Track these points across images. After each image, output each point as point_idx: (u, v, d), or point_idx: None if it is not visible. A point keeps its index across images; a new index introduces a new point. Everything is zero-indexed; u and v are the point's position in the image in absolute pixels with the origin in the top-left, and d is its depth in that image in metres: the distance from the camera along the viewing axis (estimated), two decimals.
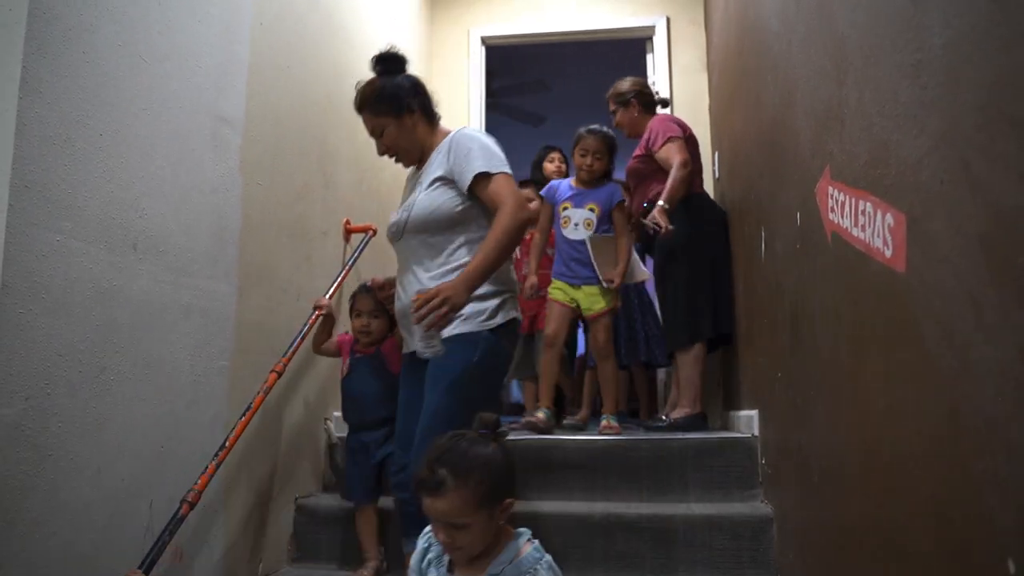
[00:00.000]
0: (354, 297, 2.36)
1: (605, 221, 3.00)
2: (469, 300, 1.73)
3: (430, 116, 2.00)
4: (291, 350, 2.28)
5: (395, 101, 1.93)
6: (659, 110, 3.30)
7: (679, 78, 4.27)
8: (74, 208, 1.48)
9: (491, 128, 4.54)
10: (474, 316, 1.78)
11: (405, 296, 1.87)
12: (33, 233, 1.37)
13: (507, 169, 1.82)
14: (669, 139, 2.94)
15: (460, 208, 1.83)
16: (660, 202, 2.83)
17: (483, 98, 4.51)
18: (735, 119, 3.01)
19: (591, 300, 2.95)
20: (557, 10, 4.45)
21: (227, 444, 1.86)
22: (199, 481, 1.75)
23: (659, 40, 4.33)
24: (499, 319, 1.81)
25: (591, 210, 2.98)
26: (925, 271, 1.04)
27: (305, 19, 2.66)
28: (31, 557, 1.36)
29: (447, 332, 1.77)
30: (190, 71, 1.91)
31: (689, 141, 3.02)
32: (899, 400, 1.15)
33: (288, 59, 2.51)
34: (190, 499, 1.70)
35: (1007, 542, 0.83)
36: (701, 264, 2.94)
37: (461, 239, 1.84)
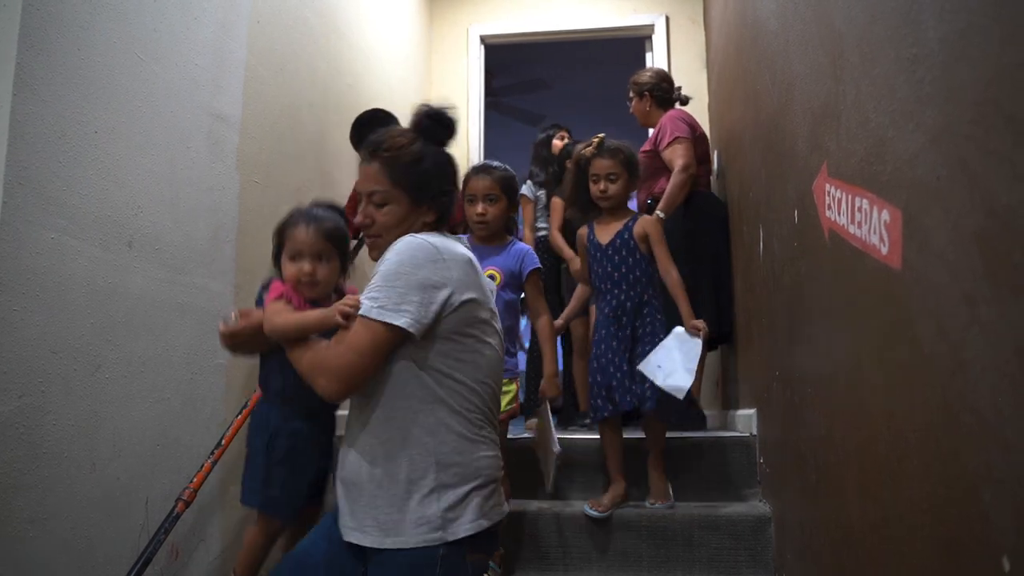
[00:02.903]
0: (287, 229, 1.59)
1: (512, 292, 2.20)
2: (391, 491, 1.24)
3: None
4: None
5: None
6: (677, 107, 3.29)
7: (678, 76, 4.25)
8: (69, 206, 1.48)
9: (490, 127, 4.55)
10: (410, 524, 1.22)
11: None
12: (28, 230, 1.37)
13: (389, 318, 1.23)
14: (676, 139, 2.93)
15: None
16: (657, 211, 2.84)
17: (482, 97, 4.51)
18: (734, 117, 3.01)
19: None
20: (556, 9, 4.45)
21: (223, 442, 1.86)
22: (195, 479, 1.74)
23: (658, 39, 4.33)
24: (464, 525, 1.24)
25: (491, 277, 2.17)
26: (921, 268, 1.04)
27: (303, 17, 2.65)
28: (26, 555, 1.35)
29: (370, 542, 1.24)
30: (187, 69, 1.90)
31: (699, 140, 3.02)
32: (895, 398, 1.15)
33: (286, 57, 2.50)
34: (186, 497, 1.69)
35: (1002, 540, 0.82)
36: (701, 263, 2.94)
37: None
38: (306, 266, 1.52)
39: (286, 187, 2.50)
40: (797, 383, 1.83)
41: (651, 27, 4.35)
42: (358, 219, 1.40)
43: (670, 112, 3.10)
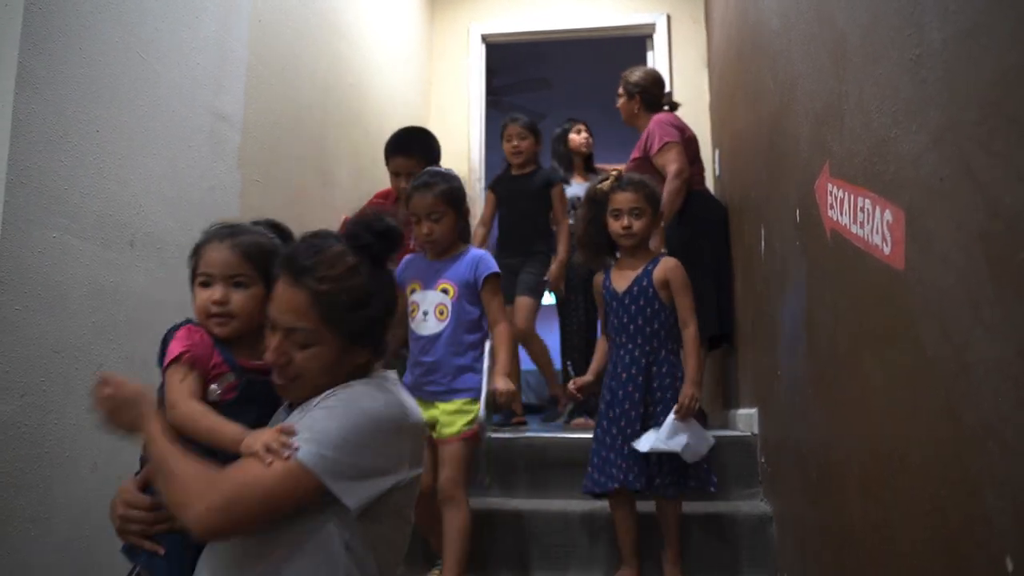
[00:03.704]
0: (198, 248, 1.27)
1: (470, 304, 2.03)
2: None
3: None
4: None
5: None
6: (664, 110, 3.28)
7: (680, 76, 4.26)
8: (71, 205, 1.48)
9: (491, 126, 4.54)
10: None
11: None
12: (29, 230, 1.37)
13: (330, 481, 1.01)
14: (666, 144, 2.91)
15: None
16: None
17: (483, 96, 4.50)
18: (735, 117, 3.01)
19: (444, 420, 1.99)
20: (558, 7, 4.44)
21: None
22: None
23: (660, 37, 4.32)
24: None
25: (444, 291, 2.02)
26: (923, 268, 1.03)
27: (304, 16, 2.65)
28: (27, 555, 1.35)
29: None
30: (188, 68, 1.90)
31: (688, 143, 3.00)
32: (897, 398, 1.15)
33: (287, 57, 2.50)
34: None
35: (1005, 540, 0.82)
36: (701, 262, 2.93)
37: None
38: (216, 293, 1.19)
39: (288, 186, 2.50)
40: (799, 383, 1.83)
41: (652, 26, 4.35)
42: (268, 356, 1.08)
43: (657, 116, 3.06)
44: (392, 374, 1.19)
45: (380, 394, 1.08)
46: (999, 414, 0.83)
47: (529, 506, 2.32)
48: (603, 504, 2.18)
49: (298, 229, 2.53)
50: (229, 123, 2.11)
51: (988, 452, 0.86)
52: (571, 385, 2.20)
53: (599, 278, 2.22)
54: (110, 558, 1.57)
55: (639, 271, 2.11)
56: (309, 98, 2.68)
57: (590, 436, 2.33)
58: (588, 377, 2.20)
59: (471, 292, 2.02)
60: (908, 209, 1.09)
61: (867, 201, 1.25)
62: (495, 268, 2.04)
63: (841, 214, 1.40)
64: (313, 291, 1.05)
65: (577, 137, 3.62)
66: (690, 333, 2.07)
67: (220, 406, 1.15)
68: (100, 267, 1.56)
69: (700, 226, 2.95)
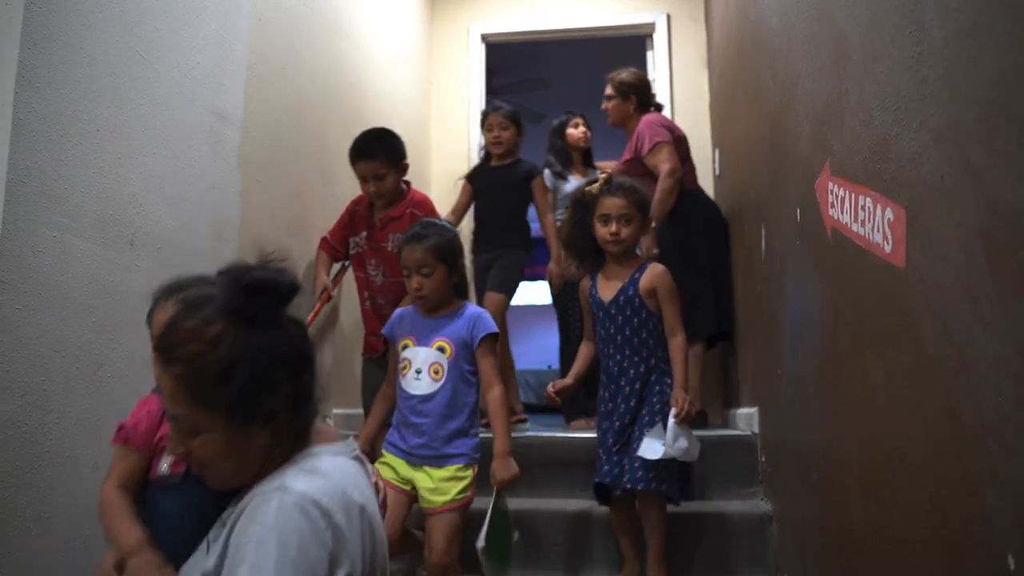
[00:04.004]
0: (152, 316, 1.25)
1: (467, 363, 1.94)
2: None
3: None
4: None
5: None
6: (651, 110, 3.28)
7: (680, 75, 4.25)
8: (71, 204, 1.48)
9: None
10: None
11: None
12: (29, 229, 1.37)
13: None
14: (657, 144, 2.91)
15: None
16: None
17: (483, 96, 4.50)
18: (736, 116, 3.01)
19: (435, 487, 1.86)
20: (558, 7, 4.44)
21: None
22: None
23: (659, 37, 4.32)
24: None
25: (440, 349, 1.93)
26: (924, 266, 1.03)
27: (304, 15, 2.65)
28: (27, 554, 1.35)
29: None
30: (188, 67, 1.90)
31: (679, 142, 3.00)
32: (898, 397, 1.14)
33: (287, 56, 2.50)
34: None
35: (1006, 539, 0.82)
36: (697, 260, 2.93)
37: None
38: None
39: (288, 186, 2.50)
40: (799, 382, 1.83)
41: (652, 25, 4.35)
42: (170, 448, 1.00)
43: (647, 117, 3.05)
44: (330, 449, 1.01)
45: (297, 503, 0.88)
46: (1000, 413, 0.83)
47: (529, 505, 2.32)
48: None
49: (298, 228, 2.55)
50: (229, 122, 2.11)
51: (989, 451, 0.86)
52: (550, 388, 2.13)
53: (585, 284, 2.15)
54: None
55: (625, 280, 2.03)
56: (309, 97, 2.68)
57: (589, 436, 2.34)
58: (567, 381, 2.16)
59: (468, 351, 1.93)
60: (909, 207, 1.09)
61: (868, 199, 1.25)
62: (494, 328, 1.95)
63: (842, 213, 1.40)
64: (175, 374, 0.93)
65: (575, 131, 3.53)
66: (677, 342, 2.00)
67: (171, 483, 1.16)
68: (100, 266, 1.56)
69: (694, 225, 2.95)
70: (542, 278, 4.17)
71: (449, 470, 1.87)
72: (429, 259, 1.89)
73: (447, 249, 1.91)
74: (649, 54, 4.39)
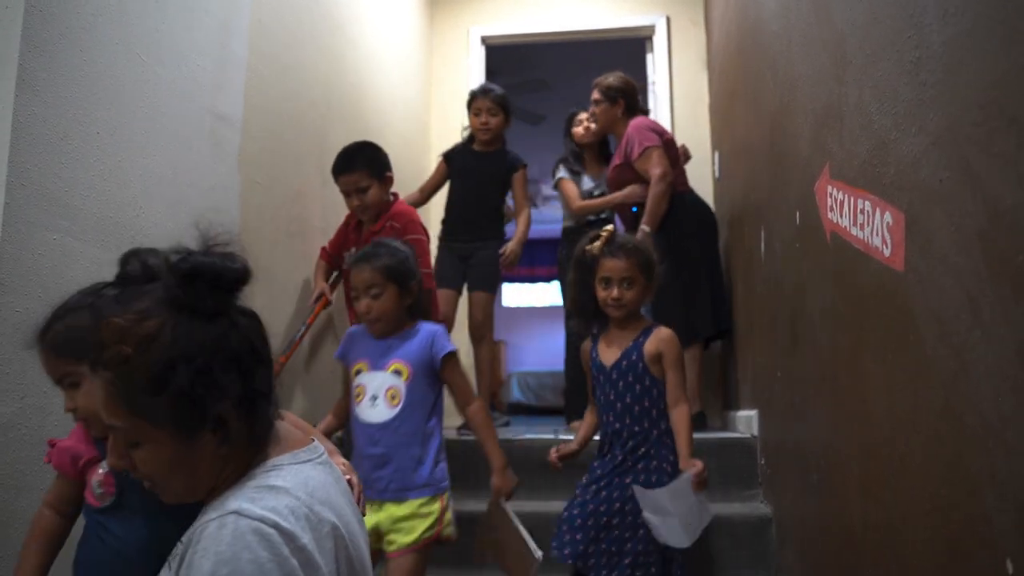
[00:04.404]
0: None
1: (428, 386, 1.79)
2: None
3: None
4: (290, 349, 2.28)
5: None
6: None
7: (679, 78, 4.26)
8: (71, 207, 1.48)
9: None
10: None
11: None
12: (30, 231, 1.37)
13: None
14: (646, 149, 2.91)
15: None
16: (643, 226, 2.83)
17: None
18: (735, 118, 3.01)
19: (399, 526, 1.69)
20: (557, 9, 4.45)
21: None
22: None
23: (659, 39, 4.32)
24: None
25: (396, 372, 1.77)
26: (923, 270, 1.04)
27: (304, 17, 2.65)
28: None
29: None
30: (188, 69, 1.90)
31: (668, 145, 3.00)
32: (898, 400, 1.15)
33: (287, 57, 2.50)
34: None
35: (1005, 542, 0.82)
36: (692, 262, 2.93)
37: None
38: (67, 403, 1.08)
39: (288, 187, 2.50)
40: (799, 384, 1.83)
41: (652, 28, 4.35)
42: (110, 460, 0.87)
43: (635, 121, 3.04)
44: (294, 457, 0.89)
45: (251, 530, 0.76)
46: (999, 414, 0.83)
47: (529, 508, 2.31)
48: None
49: (298, 229, 2.55)
50: (229, 124, 2.11)
51: (988, 453, 0.86)
52: (553, 453, 1.96)
53: (586, 347, 1.99)
54: None
55: (628, 344, 1.87)
56: (310, 99, 2.68)
57: None
58: (573, 446, 1.99)
59: (428, 373, 1.78)
60: (908, 211, 1.09)
61: (867, 203, 1.25)
62: (452, 345, 1.82)
63: (841, 216, 1.40)
64: (105, 380, 0.80)
65: (578, 129, 3.48)
66: (681, 412, 1.82)
67: (107, 505, 1.08)
68: (100, 268, 1.56)
69: (686, 228, 2.95)
70: (543, 280, 4.17)
71: (412, 505, 1.69)
72: (378, 279, 1.76)
73: (398, 269, 1.78)
74: (649, 56, 4.39)
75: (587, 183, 3.39)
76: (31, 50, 1.37)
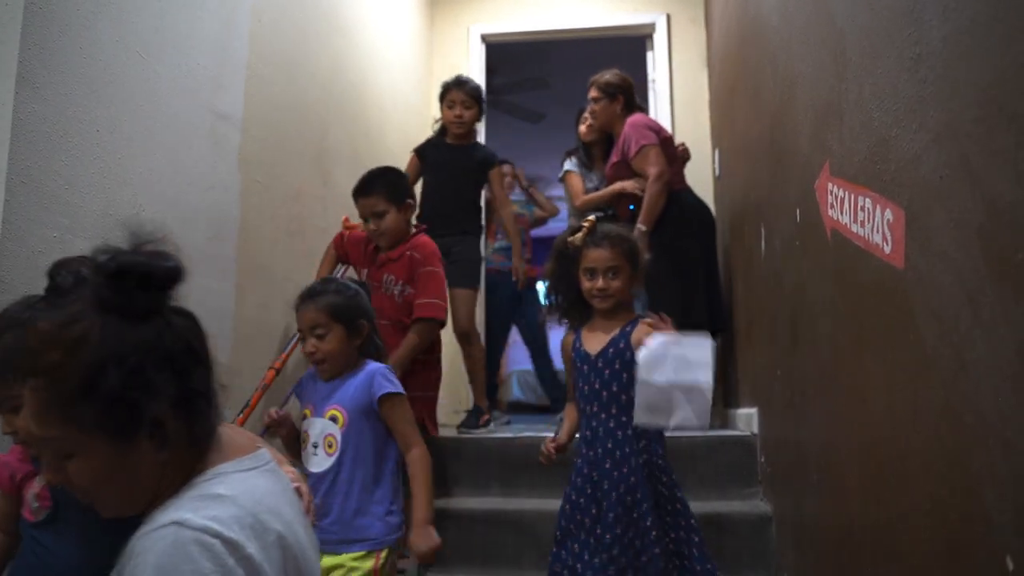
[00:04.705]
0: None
1: (369, 431, 1.66)
2: None
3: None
4: (290, 347, 2.28)
5: None
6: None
7: (679, 75, 4.26)
8: (71, 204, 1.48)
9: (491, 125, 4.54)
10: None
11: None
12: (30, 228, 1.37)
13: None
14: (643, 147, 2.90)
15: None
16: (639, 224, 2.82)
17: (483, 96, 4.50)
18: (735, 116, 3.01)
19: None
20: (557, 7, 4.44)
21: None
22: None
23: (659, 37, 4.32)
24: None
25: (332, 419, 1.66)
26: (923, 267, 1.04)
27: (304, 16, 2.65)
28: None
29: None
30: (188, 68, 1.90)
31: (665, 143, 2.99)
32: (897, 397, 1.15)
33: (287, 57, 2.50)
34: None
35: (1005, 540, 0.82)
36: (690, 261, 2.93)
37: None
38: (4, 427, 1.05)
39: (288, 186, 2.50)
40: (798, 382, 1.83)
41: (652, 26, 4.35)
42: (45, 476, 0.83)
43: (632, 119, 3.02)
44: (239, 464, 0.85)
45: (191, 541, 0.73)
46: (999, 413, 0.83)
47: (530, 505, 2.32)
48: None
49: (298, 228, 2.55)
50: (229, 122, 2.11)
51: (988, 451, 0.86)
52: (549, 444, 1.84)
53: (568, 338, 1.88)
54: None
55: (616, 332, 1.77)
56: (310, 97, 2.68)
57: None
58: (563, 438, 1.88)
59: (367, 417, 1.65)
60: (908, 208, 1.09)
61: (867, 200, 1.25)
62: (396, 387, 1.67)
63: (841, 213, 1.40)
64: (33, 389, 0.76)
65: (581, 127, 3.44)
66: None
67: (42, 520, 1.07)
68: None
69: (683, 226, 2.94)
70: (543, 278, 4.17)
71: (343, 558, 1.58)
72: (322, 319, 1.66)
73: (344, 307, 1.68)
74: (649, 54, 4.39)
75: (595, 179, 3.36)
76: (31, 47, 1.37)
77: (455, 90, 2.99)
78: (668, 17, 4.32)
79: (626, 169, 2.99)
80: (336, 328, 1.66)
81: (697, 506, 2.26)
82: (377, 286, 2.30)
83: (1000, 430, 0.83)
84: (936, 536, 1.01)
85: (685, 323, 2.84)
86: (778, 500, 2.15)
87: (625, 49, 4.58)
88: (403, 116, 3.83)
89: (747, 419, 2.55)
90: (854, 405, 1.36)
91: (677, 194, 3.00)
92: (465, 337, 2.91)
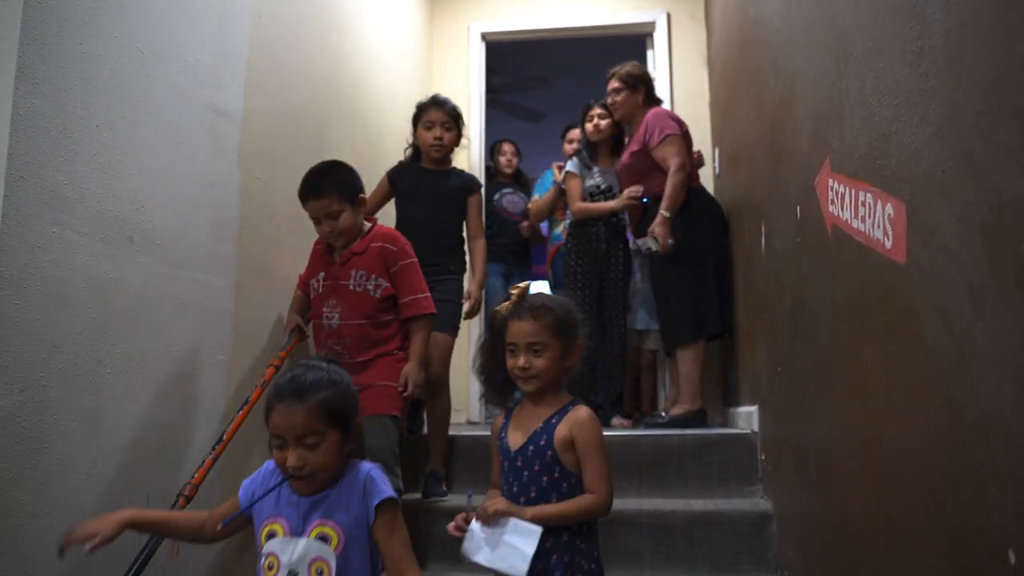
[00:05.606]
0: None
1: (366, 554, 1.29)
2: None
3: None
4: (289, 344, 2.27)
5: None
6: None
7: (680, 74, 4.25)
8: (70, 200, 1.48)
9: (491, 124, 4.54)
10: None
11: None
12: (29, 224, 1.37)
13: None
14: (667, 137, 2.91)
15: None
16: (662, 211, 2.82)
17: (483, 95, 4.50)
18: (736, 114, 3.00)
19: None
20: (557, 6, 4.44)
21: (224, 438, 1.85)
22: (196, 475, 1.74)
23: (659, 36, 4.32)
24: None
25: (322, 539, 1.28)
26: (925, 261, 1.03)
27: (304, 14, 2.65)
28: (26, 550, 1.35)
29: None
30: (188, 64, 1.90)
31: (684, 137, 3.01)
32: (898, 393, 1.14)
33: (286, 53, 2.50)
34: (187, 493, 1.69)
35: (1007, 533, 0.82)
36: (702, 259, 2.94)
37: None
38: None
39: (287, 183, 2.49)
40: (799, 379, 1.83)
41: (652, 24, 4.34)
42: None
43: (654, 110, 3.05)
44: None
45: None
46: (1001, 407, 0.83)
47: None
48: None
49: (298, 225, 2.54)
50: (229, 119, 2.10)
51: (990, 445, 0.86)
52: (459, 519, 1.52)
53: (498, 423, 1.63)
54: (109, 554, 1.56)
55: (538, 425, 1.51)
56: (309, 95, 2.68)
57: (615, 434, 2.30)
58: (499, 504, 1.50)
59: (364, 534, 1.29)
60: (909, 202, 1.08)
61: (868, 195, 1.25)
62: (389, 491, 1.31)
63: (842, 209, 1.39)
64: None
65: (588, 126, 3.39)
66: (592, 500, 1.45)
67: None
68: (99, 262, 1.56)
69: (701, 222, 2.96)
70: (542, 278, 4.17)
71: None
72: (316, 424, 1.26)
73: (340, 405, 1.30)
74: (649, 53, 4.39)
75: (596, 176, 3.36)
76: (30, 43, 1.37)
77: (434, 110, 2.75)
78: (668, 16, 4.32)
79: (646, 158, 3.00)
80: (331, 434, 1.28)
81: (698, 503, 2.27)
82: (343, 283, 2.15)
83: (1002, 423, 0.83)
84: (937, 531, 1.01)
85: (697, 318, 2.86)
86: (778, 498, 2.15)
87: (625, 48, 4.57)
88: (402, 114, 3.82)
89: (747, 417, 2.55)
90: (854, 401, 1.36)
91: (695, 190, 3.01)
92: (434, 387, 2.54)
